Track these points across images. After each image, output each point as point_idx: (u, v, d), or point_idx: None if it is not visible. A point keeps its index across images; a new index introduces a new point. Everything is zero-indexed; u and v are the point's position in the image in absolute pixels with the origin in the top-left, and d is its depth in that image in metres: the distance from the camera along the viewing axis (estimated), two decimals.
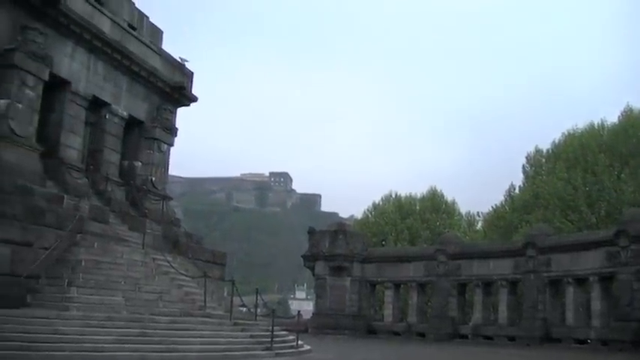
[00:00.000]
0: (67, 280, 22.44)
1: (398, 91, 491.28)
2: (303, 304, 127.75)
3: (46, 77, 26.36)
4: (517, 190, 64.96)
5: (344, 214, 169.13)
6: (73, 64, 28.38)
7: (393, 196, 73.49)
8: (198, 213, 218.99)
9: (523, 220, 56.15)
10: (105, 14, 29.96)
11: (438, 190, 72.76)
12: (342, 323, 44.84)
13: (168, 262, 26.65)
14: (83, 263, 23.55)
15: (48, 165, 26.67)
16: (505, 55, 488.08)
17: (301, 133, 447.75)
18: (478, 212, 72.77)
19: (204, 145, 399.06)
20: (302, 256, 49.67)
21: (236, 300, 25.68)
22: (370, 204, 74.06)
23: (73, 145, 28.56)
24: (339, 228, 48.49)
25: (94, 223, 26.25)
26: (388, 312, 47.02)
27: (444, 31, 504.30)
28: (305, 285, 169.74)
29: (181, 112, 35.96)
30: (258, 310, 27.55)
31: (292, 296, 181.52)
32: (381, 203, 73.27)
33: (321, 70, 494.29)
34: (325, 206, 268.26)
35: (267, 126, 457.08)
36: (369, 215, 72.27)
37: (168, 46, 35.50)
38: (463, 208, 74.12)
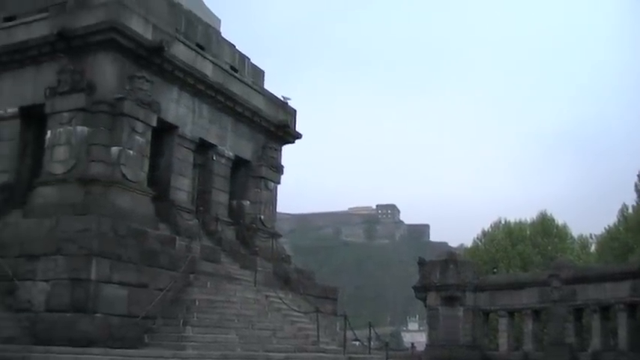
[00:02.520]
0: (182, 320, 22.81)
1: (500, 117, 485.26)
2: (416, 335, 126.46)
3: (154, 123, 27.13)
4: (630, 210, 63.20)
5: (453, 243, 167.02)
6: (179, 108, 29.13)
7: (502, 222, 72.42)
8: (307, 249, 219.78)
9: (639, 241, 54.50)
10: (207, 58, 30.68)
11: (548, 214, 71.39)
12: (457, 354, 44.17)
13: (281, 298, 26.86)
14: (197, 303, 23.93)
15: (159, 208, 27.36)
16: (606, 73, 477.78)
17: (407, 164, 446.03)
18: (591, 234, 71.13)
19: (311, 182, 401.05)
20: (413, 288, 49.22)
21: (349, 334, 25.67)
22: (479, 231, 73.23)
23: (182, 187, 29.24)
24: (449, 257, 47.87)
25: (206, 263, 26.69)
26: (503, 341, 46.05)
27: (543, 55, 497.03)
28: (417, 316, 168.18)
29: (287, 149, 36.45)
30: (372, 343, 27.44)
31: (405, 328, 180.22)
32: (490, 230, 72.29)
33: (425, 99, 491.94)
34: (434, 236, 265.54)
35: (373, 159, 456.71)
36: (479, 243, 71.37)
37: (271, 84, 36.09)
38: (575, 230, 72.50)
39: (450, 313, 45.64)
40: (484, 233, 72.33)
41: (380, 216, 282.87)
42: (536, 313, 45.17)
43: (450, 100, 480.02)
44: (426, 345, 47.97)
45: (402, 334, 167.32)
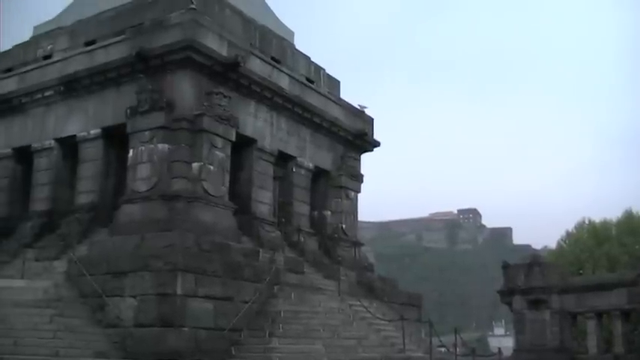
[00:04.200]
0: (267, 331, 23.04)
1: (582, 115, 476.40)
2: (502, 340, 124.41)
3: (233, 138, 27.49)
4: None
5: (537, 245, 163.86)
6: (256, 122, 29.44)
7: (587, 222, 71.10)
8: (389, 256, 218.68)
9: None
10: (283, 71, 30.96)
11: (634, 212, 69.76)
12: (545, 358, 43.45)
13: (365, 307, 26.81)
14: (282, 314, 24.13)
15: (241, 221, 27.68)
16: None
17: (488, 167, 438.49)
18: None
19: (392, 189, 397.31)
20: (498, 292, 48.59)
21: (434, 341, 25.48)
22: (563, 233, 72.01)
23: (263, 200, 29.51)
24: (533, 260, 47.16)
25: (289, 274, 26.88)
26: (592, 343, 45.07)
27: (624, 52, 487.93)
28: (503, 321, 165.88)
29: (366, 157, 36.51)
30: (458, 349, 27.21)
31: (491, 333, 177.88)
32: (574, 231, 71.02)
33: (507, 101, 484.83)
34: (517, 239, 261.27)
35: (454, 163, 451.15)
36: (563, 244, 70.18)
37: (349, 93, 36.17)
38: None
39: (536, 316, 44.88)
40: (568, 234, 71.06)
41: (461, 220, 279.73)
42: (626, 315, 44.14)
43: (531, 100, 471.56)
44: (513, 350, 47.32)
45: (489, 339, 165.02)
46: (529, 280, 45.30)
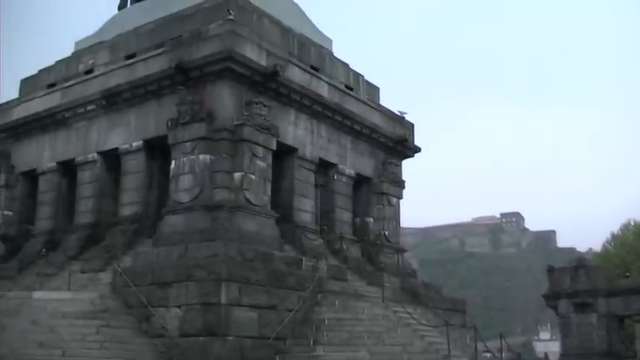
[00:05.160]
0: (312, 339, 23.07)
1: (628, 115, 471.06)
2: (548, 345, 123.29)
3: (274, 147, 27.60)
4: None
5: (581, 248, 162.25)
6: (297, 130, 29.54)
7: (632, 223, 70.27)
8: (433, 262, 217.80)
9: None
10: (322, 79, 31.05)
11: None
12: None
13: (409, 313, 26.72)
14: (326, 322, 24.14)
15: (284, 230, 27.76)
16: None
17: (531, 170, 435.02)
18: None
19: (434, 194, 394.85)
20: (543, 296, 48.15)
21: (479, 346, 25.35)
22: (609, 235, 71.27)
23: (305, 208, 29.56)
24: (578, 263, 46.68)
25: (333, 282, 26.89)
26: None
27: None
28: (549, 325, 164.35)
29: (407, 163, 36.49)
30: (503, 354, 27.03)
31: (536, 338, 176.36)
32: (619, 233, 70.23)
33: (549, 103, 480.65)
34: (561, 242, 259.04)
35: (496, 167, 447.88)
36: (609, 246, 69.42)
37: (391, 99, 36.23)
38: None
39: (582, 320, 44.35)
40: (613, 236, 70.28)
41: (504, 224, 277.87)
42: None
43: (576, 102, 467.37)
44: (560, 354, 46.80)
45: (534, 343, 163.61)
46: (575, 284, 44.83)
